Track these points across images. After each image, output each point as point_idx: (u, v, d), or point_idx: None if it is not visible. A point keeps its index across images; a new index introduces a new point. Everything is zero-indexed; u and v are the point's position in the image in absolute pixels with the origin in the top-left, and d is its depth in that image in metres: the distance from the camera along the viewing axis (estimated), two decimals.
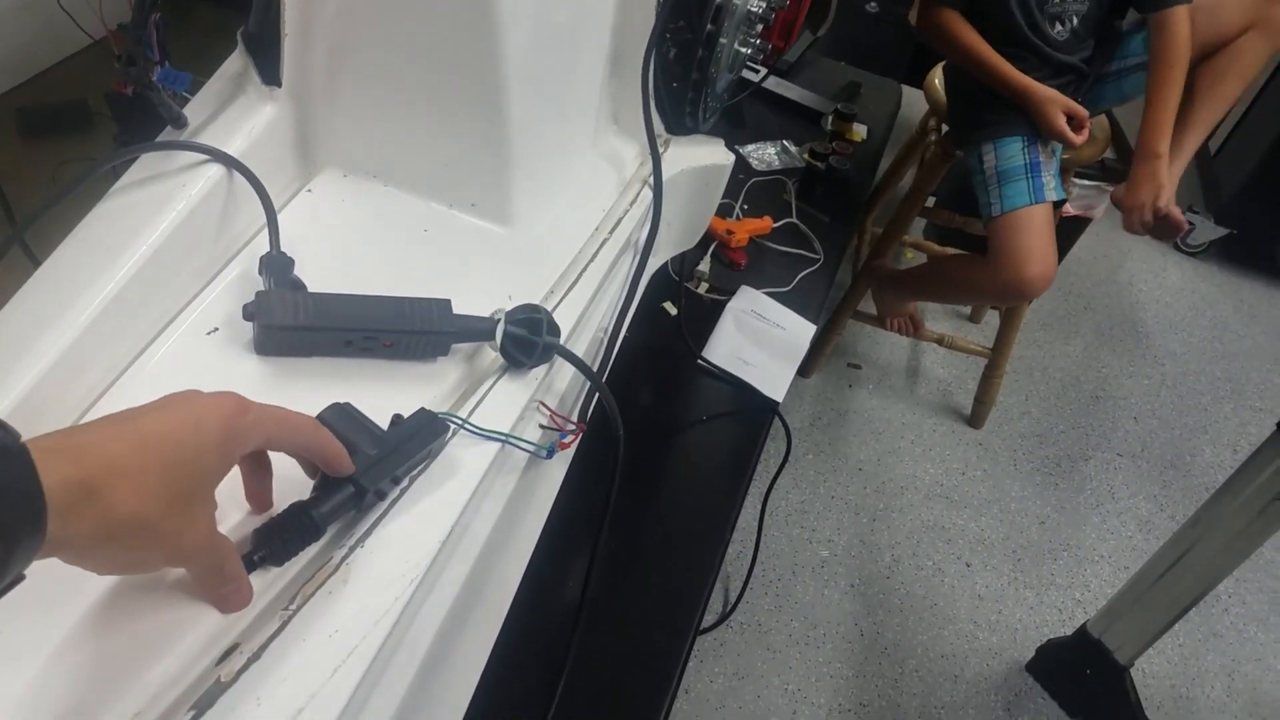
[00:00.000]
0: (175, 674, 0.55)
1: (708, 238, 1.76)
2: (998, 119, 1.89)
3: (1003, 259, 1.86)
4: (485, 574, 0.77)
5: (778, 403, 1.51)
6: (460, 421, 0.72)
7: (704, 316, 1.62)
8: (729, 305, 1.64)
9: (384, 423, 0.67)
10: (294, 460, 0.62)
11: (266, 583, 0.61)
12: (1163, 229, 1.76)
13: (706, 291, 1.70)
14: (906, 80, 2.62)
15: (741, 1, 1.10)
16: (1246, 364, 3.02)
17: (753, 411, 1.52)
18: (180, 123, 0.86)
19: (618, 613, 1.17)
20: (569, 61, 0.96)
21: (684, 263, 1.62)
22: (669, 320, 1.59)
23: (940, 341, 2.48)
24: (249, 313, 0.71)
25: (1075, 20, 1.85)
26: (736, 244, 1.78)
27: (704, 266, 1.73)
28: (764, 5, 1.15)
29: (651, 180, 1.05)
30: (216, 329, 0.74)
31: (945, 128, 2.15)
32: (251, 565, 0.58)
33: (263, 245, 0.79)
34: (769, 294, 1.70)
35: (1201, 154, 3.52)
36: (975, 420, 2.61)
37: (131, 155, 0.82)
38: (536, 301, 0.85)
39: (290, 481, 0.63)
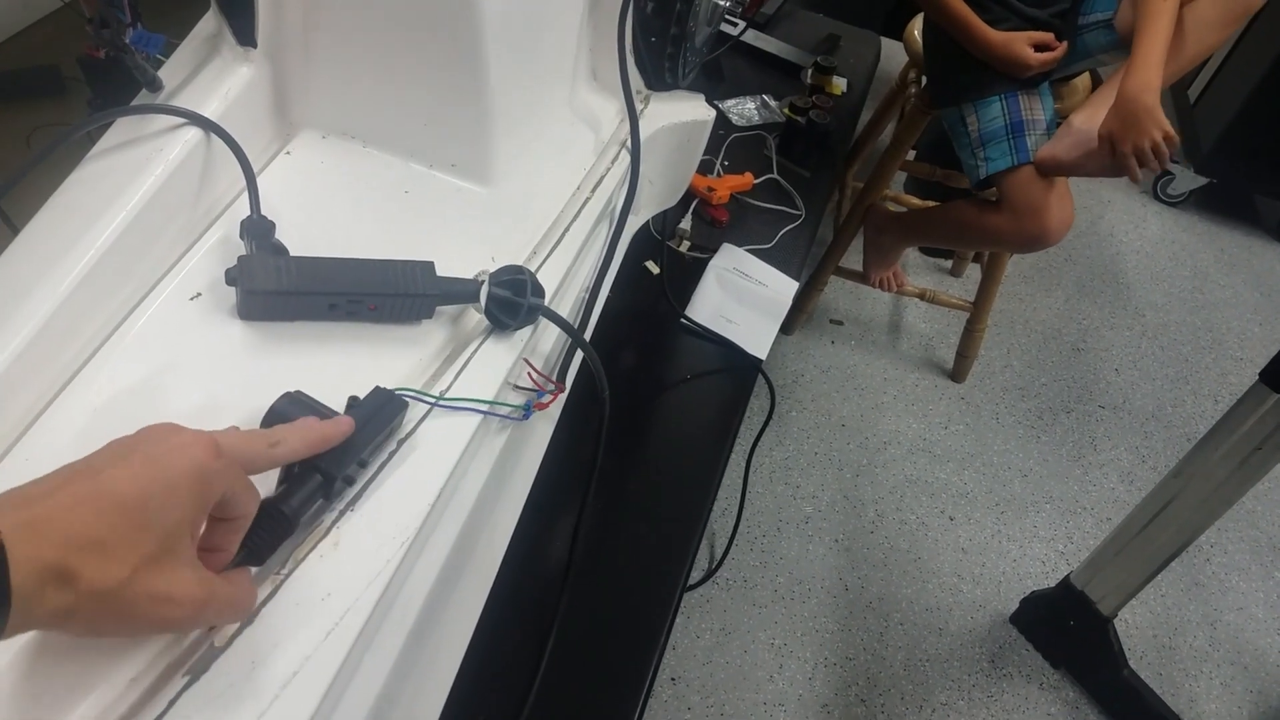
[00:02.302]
0: (169, 639, 0.55)
1: (689, 195, 1.76)
2: (976, 80, 1.87)
3: (1022, 214, 1.84)
4: (474, 535, 0.78)
5: (761, 360, 1.52)
6: (433, 400, 0.71)
7: (686, 275, 1.62)
8: (711, 263, 1.64)
9: (339, 404, 0.65)
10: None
11: None
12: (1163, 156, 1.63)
13: (688, 250, 1.69)
14: (885, 32, 2.61)
15: None
16: (1227, 313, 3.04)
17: (736, 369, 1.52)
18: (155, 86, 0.85)
19: (605, 571, 1.18)
20: (545, 16, 0.95)
21: (665, 221, 1.61)
22: (652, 280, 1.58)
23: (922, 296, 2.48)
24: (231, 277, 0.70)
25: None
26: (718, 201, 1.77)
27: (686, 225, 1.73)
28: None
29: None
30: (199, 294, 0.73)
31: (925, 80, 2.14)
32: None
33: (243, 209, 0.78)
34: (751, 251, 1.70)
35: (1181, 103, 3.52)
36: (957, 374, 2.63)
37: (107, 119, 0.81)
38: (519, 262, 0.84)
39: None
